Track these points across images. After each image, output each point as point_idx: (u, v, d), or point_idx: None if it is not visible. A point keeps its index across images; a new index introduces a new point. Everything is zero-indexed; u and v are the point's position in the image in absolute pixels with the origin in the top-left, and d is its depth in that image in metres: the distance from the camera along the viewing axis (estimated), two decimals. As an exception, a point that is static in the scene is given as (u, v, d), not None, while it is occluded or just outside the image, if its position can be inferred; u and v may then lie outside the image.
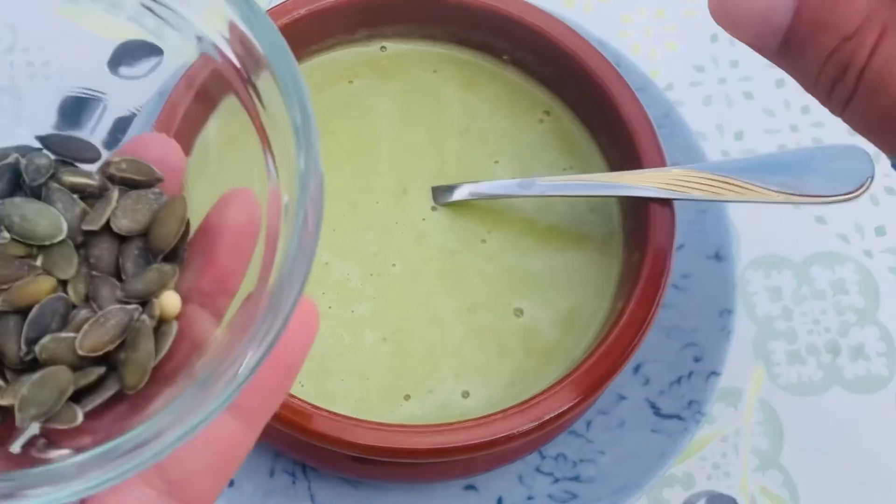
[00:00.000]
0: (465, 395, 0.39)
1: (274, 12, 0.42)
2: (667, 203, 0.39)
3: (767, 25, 0.20)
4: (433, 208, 0.42)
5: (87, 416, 0.21)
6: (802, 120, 0.52)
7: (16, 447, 0.22)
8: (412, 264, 0.41)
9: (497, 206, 0.43)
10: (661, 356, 0.43)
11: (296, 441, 0.38)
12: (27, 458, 0.21)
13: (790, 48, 0.20)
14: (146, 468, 0.19)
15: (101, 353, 0.22)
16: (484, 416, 0.36)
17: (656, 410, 0.42)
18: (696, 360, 0.43)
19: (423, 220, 0.42)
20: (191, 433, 0.19)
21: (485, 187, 0.42)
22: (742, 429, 0.45)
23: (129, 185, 0.24)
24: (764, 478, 0.44)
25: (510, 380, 0.40)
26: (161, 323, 0.22)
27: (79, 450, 0.19)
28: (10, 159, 0.23)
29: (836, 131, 0.51)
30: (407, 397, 0.39)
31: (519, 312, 0.41)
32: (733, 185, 0.39)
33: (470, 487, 0.42)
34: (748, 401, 0.45)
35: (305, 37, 0.43)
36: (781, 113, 0.52)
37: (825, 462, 0.44)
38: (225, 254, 0.23)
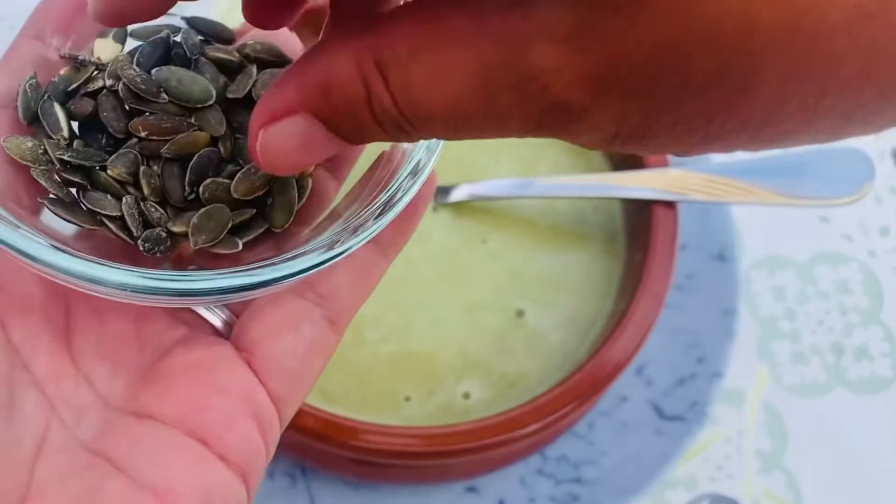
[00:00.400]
0: (466, 396, 0.39)
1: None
2: (669, 204, 0.39)
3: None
4: (434, 208, 0.42)
5: (243, 247, 0.25)
6: (806, 119, 0.51)
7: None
8: (413, 265, 0.41)
9: (498, 207, 0.42)
10: (663, 357, 0.43)
11: (296, 442, 0.38)
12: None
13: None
14: (300, 280, 0.23)
15: (251, 196, 0.25)
16: (485, 418, 0.36)
17: (659, 412, 0.42)
18: (699, 361, 0.43)
19: (424, 220, 0.42)
20: (341, 255, 0.23)
21: (484, 188, 0.42)
22: (745, 430, 0.45)
23: (262, 64, 0.28)
24: (767, 479, 0.44)
25: (511, 381, 0.39)
26: (300, 177, 0.26)
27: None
28: (163, 34, 0.27)
29: (839, 130, 0.51)
30: (407, 398, 0.39)
31: (520, 313, 0.40)
32: (734, 187, 0.39)
33: (471, 489, 0.41)
34: (751, 402, 0.45)
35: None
36: (785, 112, 0.52)
37: (829, 464, 0.44)
38: None
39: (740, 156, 0.50)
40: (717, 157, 0.50)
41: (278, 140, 0.20)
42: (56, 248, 0.22)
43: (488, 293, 0.41)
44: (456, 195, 0.42)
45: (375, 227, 0.23)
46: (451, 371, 0.39)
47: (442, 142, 0.24)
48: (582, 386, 0.37)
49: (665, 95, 0.16)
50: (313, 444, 0.36)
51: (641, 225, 0.40)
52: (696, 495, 0.43)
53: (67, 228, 0.24)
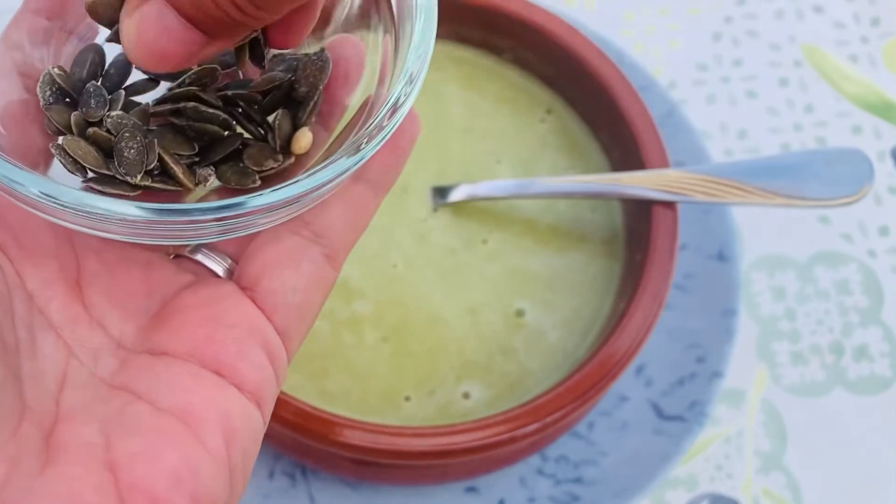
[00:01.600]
0: (466, 396, 0.39)
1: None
2: (669, 204, 0.39)
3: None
4: (434, 209, 0.42)
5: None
6: (806, 119, 0.51)
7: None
8: (413, 264, 0.41)
9: (498, 207, 0.42)
10: (663, 357, 0.43)
11: (295, 442, 0.38)
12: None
13: None
14: (292, 216, 0.24)
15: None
16: (485, 418, 0.36)
17: (659, 412, 0.42)
18: (699, 360, 0.43)
19: (424, 220, 0.42)
20: (330, 185, 0.24)
21: (483, 188, 0.42)
22: (745, 430, 0.45)
23: None
24: (767, 479, 0.44)
25: (511, 381, 0.39)
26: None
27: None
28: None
29: (838, 130, 0.51)
30: (407, 398, 0.39)
31: (520, 313, 0.40)
32: (734, 187, 0.39)
33: (471, 489, 0.41)
34: (751, 402, 0.45)
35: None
36: (785, 112, 0.52)
37: (828, 463, 0.44)
38: (336, 82, 0.27)
39: (740, 156, 0.51)
40: (717, 158, 0.50)
41: (137, 29, 0.21)
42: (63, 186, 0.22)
43: (488, 293, 0.41)
44: (455, 195, 0.42)
45: (357, 158, 0.24)
46: (451, 371, 0.39)
47: (421, 78, 0.25)
48: (582, 386, 0.37)
49: None
50: (313, 444, 0.36)
51: (641, 225, 0.40)
52: (695, 495, 0.43)
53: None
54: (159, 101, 0.27)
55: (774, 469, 0.44)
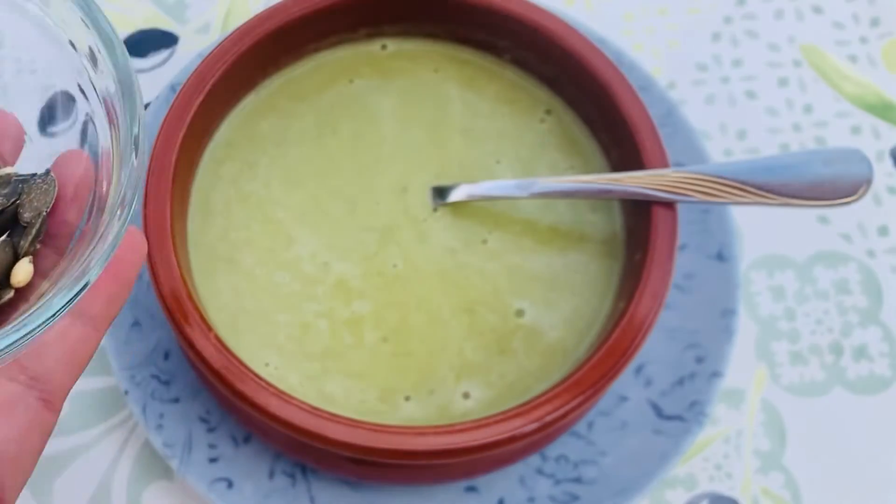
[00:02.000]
0: (466, 396, 0.39)
1: (274, 10, 0.42)
2: (669, 203, 0.39)
3: None
4: (434, 208, 0.42)
5: None
6: (805, 119, 0.51)
7: None
8: (413, 264, 0.41)
9: (498, 206, 0.42)
10: (663, 357, 0.43)
11: (295, 442, 0.38)
12: None
13: None
14: (4, 364, 0.23)
15: None
16: (485, 418, 0.36)
17: (658, 411, 0.42)
18: (699, 360, 0.43)
19: (424, 220, 0.42)
20: (38, 331, 0.22)
21: (482, 188, 0.42)
22: (744, 430, 0.45)
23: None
24: (766, 479, 0.44)
25: (511, 381, 0.39)
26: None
27: None
28: None
29: (838, 131, 0.51)
30: (407, 398, 0.39)
31: (520, 313, 0.40)
32: (733, 187, 0.39)
33: (471, 489, 0.41)
34: (750, 402, 0.45)
35: (306, 35, 0.43)
36: (784, 112, 0.52)
37: (828, 463, 0.44)
38: (65, 202, 0.27)
39: (740, 156, 0.51)
40: (717, 158, 0.50)
41: None
42: None
43: (488, 293, 0.41)
44: (455, 195, 0.42)
45: (69, 297, 0.23)
46: (451, 371, 0.39)
47: (129, 212, 0.24)
48: (581, 386, 0.37)
49: None
50: (313, 443, 0.36)
51: (641, 225, 0.40)
52: (695, 494, 0.44)
53: None
54: None
55: (774, 469, 0.44)
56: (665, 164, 0.40)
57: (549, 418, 0.36)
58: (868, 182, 0.39)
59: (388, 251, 0.41)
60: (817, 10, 0.54)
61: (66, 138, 0.28)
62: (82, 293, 0.23)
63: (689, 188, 0.39)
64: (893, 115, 0.52)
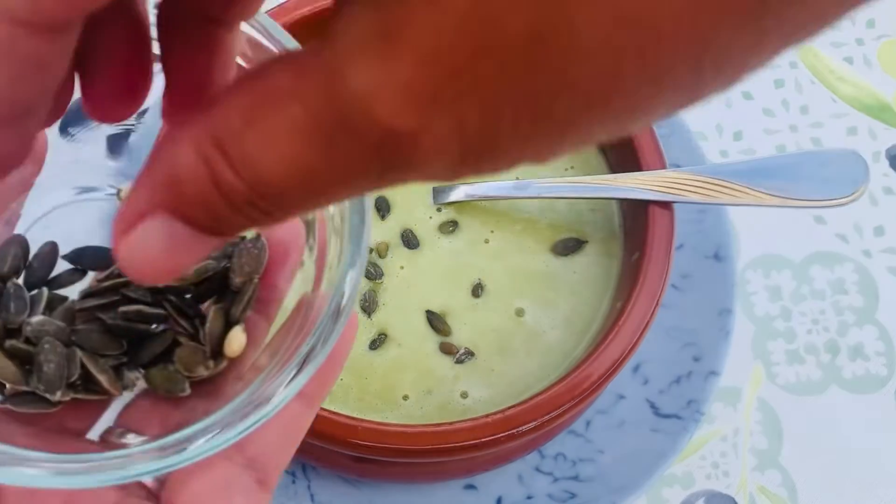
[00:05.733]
0: (464, 395, 0.39)
1: (274, 13, 0.42)
2: (666, 204, 0.40)
3: None
4: (438, 208, 0.42)
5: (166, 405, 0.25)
6: (801, 120, 0.52)
7: (94, 435, 0.25)
8: (415, 264, 0.41)
9: (500, 206, 0.43)
10: (660, 356, 0.43)
11: (296, 440, 0.38)
12: (106, 445, 0.24)
13: None
14: (227, 446, 0.22)
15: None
16: (483, 416, 0.36)
17: (655, 410, 0.42)
18: (696, 359, 0.43)
19: (430, 218, 0.42)
20: (266, 417, 0.22)
21: (481, 188, 0.42)
22: (741, 428, 0.45)
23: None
24: (763, 477, 0.44)
25: (510, 380, 0.40)
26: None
27: (152, 438, 0.23)
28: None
29: (834, 132, 0.51)
30: (405, 397, 0.39)
31: (520, 312, 0.41)
32: (730, 188, 0.39)
33: (470, 487, 0.42)
34: (747, 400, 0.45)
35: (306, 37, 0.43)
36: (780, 113, 0.52)
37: (824, 461, 0.44)
38: (275, 267, 0.26)
39: (736, 157, 0.51)
40: (713, 159, 0.50)
41: (141, 248, 0.18)
42: None
43: (489, 292, 0.41)
44: (454, 195, 0.42)
45: (296, 384, 0.23)
46: (450, 370, 0.40)
47: (358, 281, 0.24)
48: (579, 384, 0.37)
49: (493, 79, 0.14)
50: (313, 442, 0.36)
51: (638, 225, 0.40)
52: (692, 493, 0.44)
53: None
54: (86, 295, 0.25)
55: (770, 467, 0.44)
56: (662, 165, 0.41)
57: (547, 417, 0.36)
58: (864, 182, 0.39)
59: (390, 251, 0.41)
60: (814, 11, 0.55)
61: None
62: (305, 380, 0.23)
63: (685, 189, 0.39)
64: (889, 116, 0.52)
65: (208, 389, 0.25)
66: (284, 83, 0.15)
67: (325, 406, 0.37)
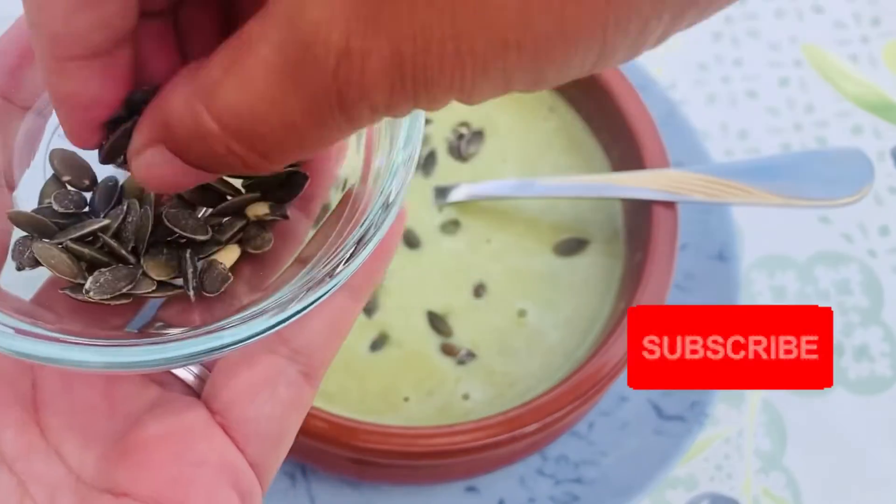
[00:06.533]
0: (466, 396, 0.39)
1: None
2: (670, 203, 0.39)
3: None
4: (440, 208, 0.42)
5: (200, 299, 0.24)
6: (806, 119, 0.51)
7: (133, 328, 0.24)
8: (416, 264, 0.41)
9: (502, 206, 0.42)
10: (663, 357, 0.43)
11: (295, 442, 0.38)
12: (148, 335, 0.24)
13: None
14: (274, 332, 0.22)
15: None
16: (485, 418, 0.36)
17: (659, 412, 0.42)
18: (699, 361, 0.43)
19: (431, 217, 0.42)
20: (311, 306, 0.22)
21: (482, 188, 0.42)
22: (745, 430, 0.45)
23: None
24: (767, 479, 0.44)
25: (512, 380, 0.39)
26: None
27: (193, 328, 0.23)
28: None
29: (839, 131, 0.51)
30: (406, 399, 0.39)
31: (522, 313, 0.40)
32: (734, 187, 0.39)
33: (471, 489, 0.41)
34: (751, 402, 0.45)
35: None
36: (785, 112, 0.52)
37: (828, 463, 0.44)
38: (318, 162, 0.26)
39: (740, 156, 0.51)
40: (718, 158, 0.50)
41: (147, 168, 0.21)
42: (17, 330, 0.21)
43: (491, 293, 0.41)
44: (456, 195, 0.42)
45: (347, 271, 0.22)
46: (451, 371, 0.39)
47: (411, 171, 0.23)
48: (582, 386, 0.37)
49: (423, 9, 0.16)
50: (313, 444, 0.36)
51: (641, 225, 0.40)
52: (695, 495, 0.44)
53: (25, 293, 0.24)
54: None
55: (774, 469, 0.44)
56: (666, 164, 0.40)
57: (549, 418, 0.36)
58: (869, 182, 0.39)
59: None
60: (818, 9, 0.54)
61: None
62: (358, 265, 0.22)
63: (689, 188, 0.39)
64: (894, 115, 0.52)
65: (251, 282, 0.25)
66: (254, 30, 0.18)
67: (325, 408, 0.36)
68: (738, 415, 0.45)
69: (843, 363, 0.46)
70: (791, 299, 0.47)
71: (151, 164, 0.21)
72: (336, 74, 0.17)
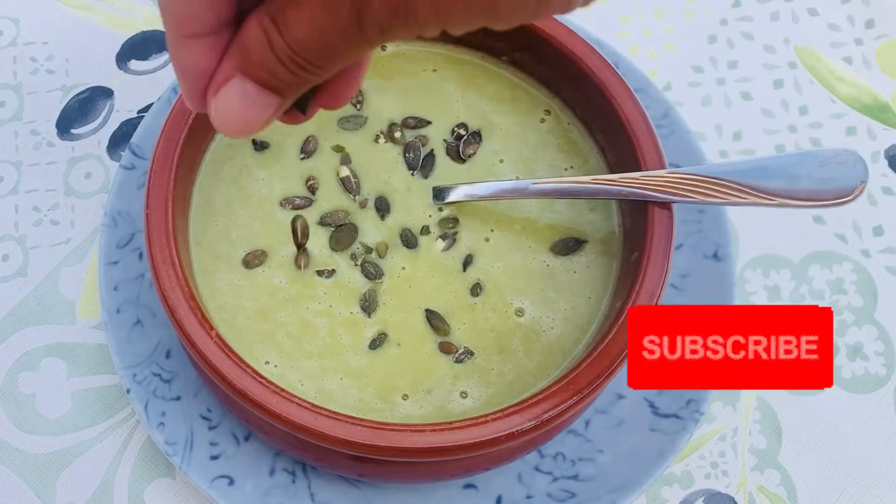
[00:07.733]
0: (464, 394, 0.39)
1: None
2: (665, 204, 0.40)
3: None
4: (440, 208, 0.42)
5: None
6: (800, 120, 0.52)
7: None
8: (415, 263, 0.41)
9: (500, 206, 0.43)
10: (659, 355, 0.43)
11: (295, 440, 0.38)
12: None
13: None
14: None
15: None
16: (483, 415, 0.36)
17: (655, 409, 0.42)
18: (695, 359, 0.43)
19: (430, 216, 0.42)
20: None
21: (480, 189, 0.42)
22: (740, 428, 0.45)
23: None
24: (762, 477, 0.44)
25: (510, 379, 0.40)
26: None
27: None
28: None
29: (833, 132, 0.52)
30: (405, 397, 0.39)
31: (520, 312, 0.41)
32: (729, 188, 0.39)
33: (469, 486, 0.42)
34: (746, 400, 0.45)
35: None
36: (780, 113, 0.52)
37: (823, 461, 0.45)
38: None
39: (735, 157, 0.51)
40: (713, 159, 0.50)
41: (224, 105, 0.25)
42: None
43: (489, 292, 0.41)
44: (454, 195, 0.42)
45: None
46: (449, 370, 0.40)
47: None
48: (579, 384, 0.37)
49: None
50: (313, 441, 0.36)
51: (638, 225, 0.40)
52: (691, 492, 0.44)
53: None
54: None
55: (769, 466, 0.44)
56: (661, 165, 0.41)
57: (546, 416, 0.36)
58: (863, 183, 0.39)
59: (391, 250, 0.41)
60: (812, 11, 0.55)
61: None
62: None
63: (685, 189, 0.40)
64: (888, 117, 0.52)
65: None
66: None
67: (325, 406, 0.37)
68: (734, 412, 0.45)
69: (837, 362, 0.46)
70: (785, 299, 0.47)
71: (228, 97, 0.25)
72: (353, 3, 0.22)
